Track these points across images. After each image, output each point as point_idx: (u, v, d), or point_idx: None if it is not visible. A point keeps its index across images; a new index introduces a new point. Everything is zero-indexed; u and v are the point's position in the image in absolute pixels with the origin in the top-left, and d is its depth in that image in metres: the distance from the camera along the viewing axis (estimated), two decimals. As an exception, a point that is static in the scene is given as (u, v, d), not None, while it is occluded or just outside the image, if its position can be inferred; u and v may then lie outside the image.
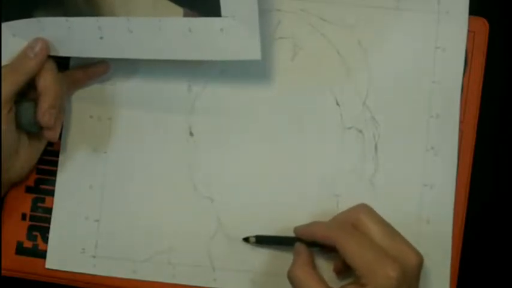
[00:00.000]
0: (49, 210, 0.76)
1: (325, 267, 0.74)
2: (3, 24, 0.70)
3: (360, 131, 0.75)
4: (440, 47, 0.75)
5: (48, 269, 0.76)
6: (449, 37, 0.75)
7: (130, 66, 0.76)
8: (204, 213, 0.75)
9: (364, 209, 0.69)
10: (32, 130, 0.71)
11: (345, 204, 0.72)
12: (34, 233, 0.77)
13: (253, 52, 0.66)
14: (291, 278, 0.68)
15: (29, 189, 0.77)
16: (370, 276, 0.64)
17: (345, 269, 0.71)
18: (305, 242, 0.71)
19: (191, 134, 0.76)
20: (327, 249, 0.69)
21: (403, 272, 0.64)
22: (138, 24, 0.67)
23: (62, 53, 0.71)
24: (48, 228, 0.76)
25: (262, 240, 0.74)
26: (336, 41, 0.75)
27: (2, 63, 0.70)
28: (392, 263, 0.64)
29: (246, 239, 0.74)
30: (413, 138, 0.75)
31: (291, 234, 0.73)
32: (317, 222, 0.72)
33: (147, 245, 0.76)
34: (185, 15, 0.66)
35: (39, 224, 0.77)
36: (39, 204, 0.77)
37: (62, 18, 0.68)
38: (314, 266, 0.69)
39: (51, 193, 0.77)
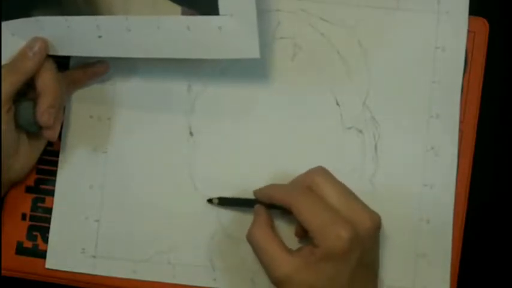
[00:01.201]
0: (49, 210, 0.76)
1: (286, 230, 0.74)
2: (2, 24, 0.70)
3: (360, 131, 0.75)
4: (440, 47, 0.75)
5: (48, 269, 0.76)
6: (449, 37, 0.75)
7: (130, 66, 0.76)
8: (204, 213, 0.75)
9: (320, 171, 0.69)
10: (31, 130, 0.71)
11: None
12: (34, 233, 0.77)
13: (251, 50, 0.66)
14: (249, 238, 0.69)
15: (29, 189, 0.77)
16: (322, 237, 0.64)
17: (305, 233, 0.71)
18: (265, 205, 0.71)
19: (191, 134, 0.76)
20: (287, 211, 0.69)
21: (355, 233, 0.64)
22: (137, 23, 0.67)
23: (61, 52, 0.71)
24: (48, 228, 0.76)
25: (224, 202, 0.75)
26: (336, 41, 0.75)
27: (1, 63, 0.70)
28: (345, 223, 0.64)
29: (210, 200, 0.75)
30: (413, 138, 0.75)
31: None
32: (274, 184, 0.72)
33: (147, 245, 0.76)
34: (183, 13, 0.66)
35: (39, 224, 0.77)
36: (39, 204, 0.77)
37: (61, 17, 0.68)
38: (273, 227, 0.70)
39: (51, 193, 0.77)
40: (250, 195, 0.73)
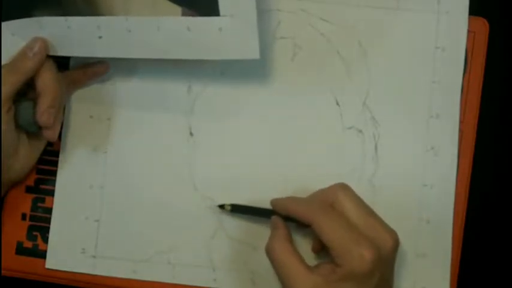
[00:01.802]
0: (49, 210, 0.76)
1: (301, 243, 0.74)
2: (3, 24, 0.70)
3: (360, 131, 0.75)
4: (440, 47, 0.75)
5: (48, 269, 0.76)
6: (449, 37, 0.75)
7: (130, 66, 0.76)
8: (204, 213, 0.75)
9: (342, 187, 0.69)
10: (31, 130, 0.71)
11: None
12: (34, 233, 0.77)
13: (252, 51, 0.66)
14: (268, 252, 0.68)
15: (29, 189, 0.77)
16: (345, 257, 0.64)
17: (322, 248, 0.71)
18: (281, 216, 0.71)
19: (191, 134, 0.76)
20: (303, 225, 0.69)
21: (378, 255, 0.64)
22: (137, 23, 0.67)
23: (61, 52, 0.71)
24: (48, 228, 0.76)
25: (237, 209, 0.74)
26: (336, 41, 0.75)
27: (2, 63, 0.70)
28: (368, 244, 0.64)
29: (222, 206, 0.74)
30: (413, 138, 0.75)
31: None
32: (294, 198, 0.72)
33: (147, 245, 0.76)
34: (184, 14, 0.66)
35: (39, 224, 0.77)
36: (39, 204, 0.77)
37: (61, 17, 0.68)
38: (292, 241, 0.69)
39: (51, 193, 0.77)
40: (251, 196, 0.73)
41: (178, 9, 0.66)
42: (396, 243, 0.66)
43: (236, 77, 0.76)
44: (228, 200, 0.74)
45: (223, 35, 0.66)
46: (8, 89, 0.68)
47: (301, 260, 0.66)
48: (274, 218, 0.71)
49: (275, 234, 0.69)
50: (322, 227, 0.65)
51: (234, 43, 0.66)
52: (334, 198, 0.68)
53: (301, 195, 0.73)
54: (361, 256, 0.63)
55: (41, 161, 0.76)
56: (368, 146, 0.75)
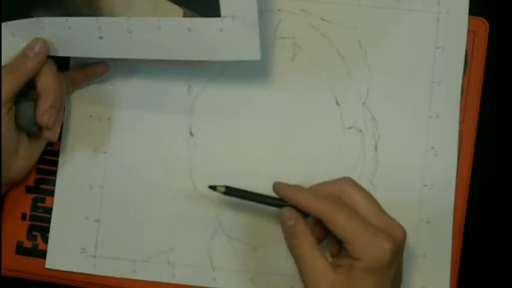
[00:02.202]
0: (49, 210, 0.76)
1: None
2: (3, 24, 0.70)
3: (360, 131, 0.75)
4: (440, 47, 0.75)
5: (48, 269, 0.76)
6: (449, 37, 0.75)
7: (130, 66, 0.76)
8: (204, 213, 0.75)
9: (350, 181, 0.68)
10: (31, 130, 0.71)
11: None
12: (34, 233, 0.77)
13: (252, 52, 0.66)
14: (294, 247, 0.66)
15: (29, 189, 0.77)
16: (364, 250, 0.63)
17: (339, 250, 0.69)
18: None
19: (191, 134, 0.76)
20: (305, 215, 0.67)
21: (395, 245, 0.64)
22: (138, 24, 0.67)
23: (62, 53, 0.71)
24: (48, 228, 0.76)
25: (231, 193, 0.70)
26: (336, 41, 0.75)
27: (2, 63, 0.70)
28: (386, 237, 0.63)
29: (213, 188, 0.70)
30: (413, 138, 0.75)
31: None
32: (301, 189, 0.68)
33: (147, 245, 0.76)
34: (185, 15, 0.66)
35: (39, 224, 0.77)
36: (39, 204, 0.77)
37: (62, 18, 0.68)
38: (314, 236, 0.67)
39: (51, 193, 0.77)
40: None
41: (179, 10, 0.66)
42: (405, 235, 0.66)
43: (236, 77, 0.76)
44: (228, 199, 0.74)
45: (224, 36, 0.66)
46: (8, 89, 0.68)
47: (325, 256, 0.65)
48: (287, 210, 0.68)
49: (296, 229, 0.66)
50: (336, 221, 0.64)
51: (235, 44, 0.66)
52: (342, 191, 0.67)
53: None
54: (381, 248, 0.63)
55: (41, 161, 0.76)
56: (368, 146, 0.75)
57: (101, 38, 0.68)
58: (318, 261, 0.64)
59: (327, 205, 0.65)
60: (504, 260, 0.76)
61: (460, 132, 0.74)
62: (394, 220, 0.66)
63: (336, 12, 0.75)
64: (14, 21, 0.70)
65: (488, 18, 0.75)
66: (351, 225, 0.64)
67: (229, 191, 0.70)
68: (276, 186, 0.69)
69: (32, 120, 0.70)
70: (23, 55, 0.69)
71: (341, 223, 0.64)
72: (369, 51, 0.75)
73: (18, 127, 0.70)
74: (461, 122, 0.74)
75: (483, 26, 0.75)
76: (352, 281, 0.63)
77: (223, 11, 0.65)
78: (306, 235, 0.66)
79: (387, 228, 0.65)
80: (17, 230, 0.77)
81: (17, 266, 0.76)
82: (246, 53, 0.67)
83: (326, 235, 0.69)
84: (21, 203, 0.77)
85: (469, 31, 0.75)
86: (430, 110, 0.75)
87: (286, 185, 0.69)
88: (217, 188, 0.70)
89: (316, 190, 0.69)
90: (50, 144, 0.76)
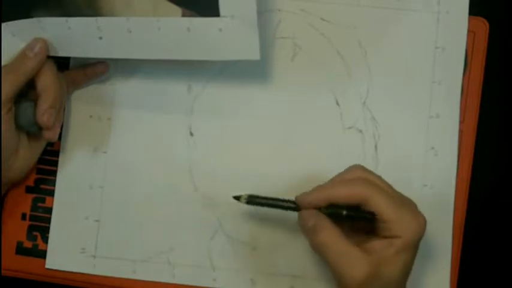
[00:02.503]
0: (49, 210, 0.76)
1: None
2: (3, 24, 0.70)
3: (360, 131, 0.75)
4: (440, 47, 0.75)
5: (48, 269, 0.76)
6: (449, 37, 0.75)
7: (130, 66, 0.76)
8: (204, 213, 0.75)
9: (361, 166, 0.68)
10: (31, 130, 0.71)
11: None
12: (34, 233, 0.77)
13: (252, 52, 0.66)
14: (319, 245, 0.65)
15: (29, 189, 0.77)
16: (405, 227, 0.64)
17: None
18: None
19: (191, 134, 0.76)
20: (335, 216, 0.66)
21: (425, 218, 0.65)
22: (137, 24, 0.67)
23: (62, 53, 0.71)
24: (48, 228, 0.76)
25: (254, 201, 0.69)
26: (336, 41, 0.75)
27: (2, 63, 0.70)
28: (420, 214, 0.65)
29: (237, 198, 0.70)
30: (413, 138, 0.75)
31: (292, 233, 0.73)
32: (327, 184, 0.67)
33: (147, 245, 0.76)
34: (184, 15, 0.66)
35: (39, 224, 0.77)
36: (39, 204, 0.77)
37: (62, 18, 0.68)
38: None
39: (51, 193, 0.77)
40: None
41: (178, 10, 0.66)
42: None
43: (236, 77, 0.76)
44: (228, 199, 0.73)
45: (224, 35, 0.66)
46: (8, 89, 0.68)
47: (354, 243, 0.64)
48: (304, 211, 0.67)
49: (318, 226, 0.65)
50: (375, 201, 0.64)
51: (234, 44, 0.66)
52: (362, 175, 0.67)
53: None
54: (420, 223, 0.64)
55: (41, 161, 0.76)
56: (368, 146, 0.75)
57: (100, 38, 0.68)
58: (351, 250, 0.64)
59: (363, 188, 0.65)
60: (504, 260, 0.76)
61: (460, 132, 0.74)
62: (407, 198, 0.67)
63: (336, 12, 0.75)
64: (14, 21, 0.70)
65: (488, 18, 0.75)
66: (389, 203, 0.64)
67: (252, 199, 0.69)
68: (300, 198, 0.68)
69: (32, 120, 0.70)
70: (22, 55, 0.69)
71: (380, 203, 0.64)
72: (369, 51, 0.75)
73: (18, 127, 0.70)
74: (461, 122, 0.74)
75: (483, 26, 0.75)
76: (389, 260, 0.64)
77: (222, 11, 0.65)
78: (330, 229, 0.65)
79: (413, 205, 0.66)
80: (17, 230, 0.77)
81: (17, 266, 0.76)
82: (245, 53, 0.67)
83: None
84: (21, 203, 0.77)
85: (469, 31, 0.75)
86: (430, 110, 0.75)
87: (310, 191, 0.67)
88: (241, 199, 0.69)
89: (336, 181, 0.68)
90: (50, 144, 0.76)
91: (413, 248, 0.65)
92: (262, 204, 0.69)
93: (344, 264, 0.64)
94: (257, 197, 0.69)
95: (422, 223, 0.65)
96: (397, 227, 0.64)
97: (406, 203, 0.66)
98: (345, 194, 0.65)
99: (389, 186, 0.67)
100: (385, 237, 0.64)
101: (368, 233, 0.66)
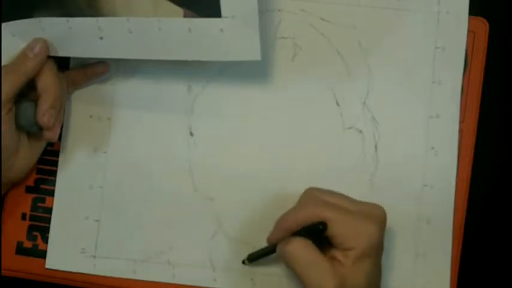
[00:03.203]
0: (49, 210, 0.76)
1: None
2: (3, 25, 0.70)
3: (360, 131, 0.75)
4: (440, 47, 0.75)
5: (48, 269, 0.76)
6: (449, 37, 0.75)
7: (130, 67, 0.76)
8: (204, 213, 0.75)
9: (312, 189, 0.71)
10: (31, 130, 0.71)
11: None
12: (34, 233, 0.77)
13: (253, 53, 0.66)
14: (290, 256, 0.67)
15: (29, 189, 0.77)
16: (355, 238, 0.65)
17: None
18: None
19: (191, 134, 0.76)
20: None
21: (380, 226, 0.66)
22: (138, 24, 0.67)
23: (62, 53, 0.71)
24: (48, 228, 0.76)
25: (254, 257, 0.73)
26: (336, 41, 0.75)
27: (2, 64, 0.70)
28: (372, 220, 0.66)
29: (244, 262, 0.74)
30: (413, 138, 0.75)
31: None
32: (282, 216, 0.70)
33: (147, 245, 0.76)
34: (185, 15, 0.66)
35: (39, 224, 0.77)
36: (39, 204, 0.77)
37: (63, 18, 0.68)
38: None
39: (51, 193, 0.77)
40: (250, 196, 0.73)
41: (179, 10, 0.66)
42: (385, 212, 0.68)
43: (236, 77, 0.76)
44: (228, 199, 0.75)
45: (225, 36, 0.66)
46: (8, 89, 0.68)
47: (323, 255, 0.66)
48: (280, 244, 0.69)
49: (291, 240, 0.67)
50: (328, 217, 0.66)
51: (235, 44, 0.66)
52: (313, 196, 0.69)
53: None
54: (370, 233, 0.65)
55: (41, 161, 0.76)
56: (368, 146, 0.75)
57: (101, 38, 0.68)
58: (320, 261, 0.65)
59: (312, 208, 0.67)
60: (504, 260, 0.76)
61: (460, 132, 0.75)
62: (370, 203, 0.68)
63: (336, 12, 0.75)
64: (14, 21, 0.70)
65: (488, 18, 0.75)
66: (337, 217, 0.66)
67: (252, 258, 0.73)
68: (270, 238, 0.72)
69: (32, 121, 0.70)
70: (23, 55, 0.69)
71: (329, 218, 0.66)
72: (369, 51, 0.75)
73: (19, 127, 0.70)
74: (461, 122, 0.75)
75: (483, 26, 0.75)
76: (350, 270, 0.65)
77: (223, 11, 0.65)
78: (299, 240, 0.66)
79: (367, 211, 0.67)
80: (17, 230, 0.77)
81: (17, 266, 0.76)
82: (246, 54, 0.67)
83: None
84: (21, 203, 0.77)
85: (469, 31, 0.75)
86: (430, 110, 0.75)
87: (273, 230, 0.71)
88: (245, 262, 0.74)
89: (290, 210, 0.71)
90: (50, 144, 0.76)
91: (370, 256, 0.65)
92: (260, 257, 0.73)
93: (312, 275, 0.65)
94: (254, 253, 0.73)
95: (373, 232, 0.65)
96: (347, 239, 0.65)
97: (361, 214, 0.66)
98: (298, 217, 0.68)
99: (345, 198, 0.68)
100: (342, 249, 0.66)
101: (330, 246, 0.67)
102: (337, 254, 0.66)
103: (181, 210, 0.76)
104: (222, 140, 0.76)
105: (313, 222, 0.66)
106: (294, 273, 0.67)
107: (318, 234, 0.66)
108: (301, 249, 0.66)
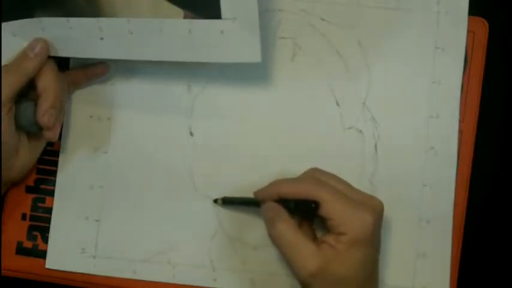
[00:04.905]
0: (49, 210, 0.76)
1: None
2: (4, 24, 0.70)
3: (360, 131, 0.75)
4: (440, 47, 0.75)
5: (48, 269, 0.76)
6: (449, 37, 0.75)
7: (130, 67, 0.76)
8: (204, 213, 0.75)
9: (316, 169, 0.71)
10: (31, 130, 0.71)
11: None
12: (34, 233, 0.77)
13: (253, 55, 0.66)
14: (275, 235, 0.68)
15: (29, 189, 0.77)
16: (348, 224, 0.65)
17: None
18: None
19: (191, 134, 0.76)
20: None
21: (376, 217, 0.66)
22: (139, 25, 0.67)
23: (62, 53, 0.71)
24: (48, 228, 0.76)
25: (229, 202, 0.74)
26: (336, 41, 0.75)
27: (2, 63, 0.70)
28: (367, 209, 0.66)
29: (215, 201, 0.75)
30: (413, 138, 0.75)
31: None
32: (280, 180, 0.71)
33: (147, 245, 0.76)
34: (186, 17, 0.66)
35: (39, 224, 0.77)
36: (39, 204, 0.77)
37: (63, 18, 0.68)
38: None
39: (51, 193, 0.77)
40: (250, 195, 0.73)
41: (180, 11, 0.66)
42: (383, 206, 0.68)
43: (236, 77, 0.76)
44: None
45: (225, 38, 0.66)
46: (8, 89, 0.68)
47: (307, 236, 0.67)
48: (266, 204, 0.70)
49: (276, 217, 0.68)
50: (324, 198, 0.66)
51: (236, 46, 0.66)
52: (317, 175, 0.69)
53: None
54: (364, 221, 0.65)
55: (41, 161, 0.76)
56: (368, 146, 0.75)
57: (101, 38, 0.68)
58: (304, 243, 0.66)
59: (310, 185, 0.68)
60: (504, 260, 0.76)
61: (460, 132, 0.75)
62: (369, 195, 0.69)
63: (336, 12, 0.75)
64: (15, 21, 0.70)
65: (488, 18, 0.75)
66: (336, 201, 0.66)
67: (227, 201, 0.75)
68: (257, 192, 0.72)
69: (32, 121, 0.70)
70: (23, 55, 0.69)
71: (325, 198, 0.66)
72: (369, 51, 0.75)
73: (19, 127, 0.70)
74: (461, 121, 0.75)
75: (483, 26, 0.75)
76: (339, 255, 0.65)
77: (224, 13, 0.65)
78: (286, 221, 0.68)
79: (365, 201, 0.67)
80: (17, 230, 0.77)
81: (17, 266, 0.76)
82: (246, 55, 0.67)
83: (303, 223, 0.71)
84: (21, 203, 0.77)
85: (468, 31, 0.75)
86: (430, 110, 0.75)
87: (266, 186, 0.72)
88: (218, 201, 0.75)
89: (289, 179, 0.72)
90: (50, 144, 0.76)
91: (362, 245, 0.66)
92: (234, 203, 0.74)
93: (296, 256, 0.66)
94: (230, 198, 0.75)
95: (368, 221, 0.65)
96: (341, 223, 0.66)
97: (357, 202, 0.67)
98: (293, 189, 0.69)
99: (346, 185, 0.69)
100: (335, 233, 0.66)
101: (326, 230, 0.68)
102: (329, 238, 0.66)
103: (181, 210, 0.76)
104: (222, 140, 0.76)
105: (307, 199, 0.67)
106: (280, 253, 0.68)
107: (310, 213, 0.68)
108: (286, 230, 0.67)
